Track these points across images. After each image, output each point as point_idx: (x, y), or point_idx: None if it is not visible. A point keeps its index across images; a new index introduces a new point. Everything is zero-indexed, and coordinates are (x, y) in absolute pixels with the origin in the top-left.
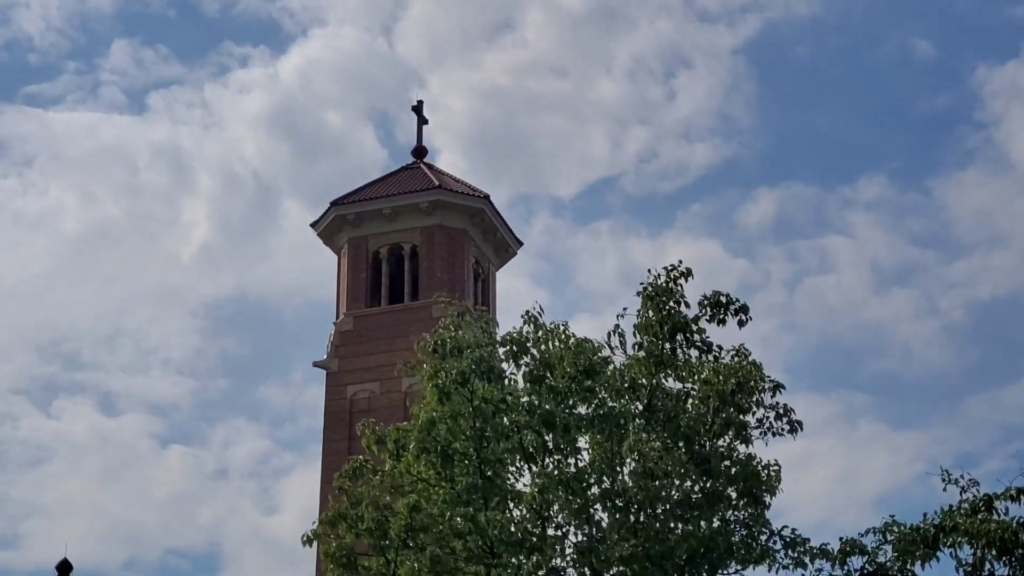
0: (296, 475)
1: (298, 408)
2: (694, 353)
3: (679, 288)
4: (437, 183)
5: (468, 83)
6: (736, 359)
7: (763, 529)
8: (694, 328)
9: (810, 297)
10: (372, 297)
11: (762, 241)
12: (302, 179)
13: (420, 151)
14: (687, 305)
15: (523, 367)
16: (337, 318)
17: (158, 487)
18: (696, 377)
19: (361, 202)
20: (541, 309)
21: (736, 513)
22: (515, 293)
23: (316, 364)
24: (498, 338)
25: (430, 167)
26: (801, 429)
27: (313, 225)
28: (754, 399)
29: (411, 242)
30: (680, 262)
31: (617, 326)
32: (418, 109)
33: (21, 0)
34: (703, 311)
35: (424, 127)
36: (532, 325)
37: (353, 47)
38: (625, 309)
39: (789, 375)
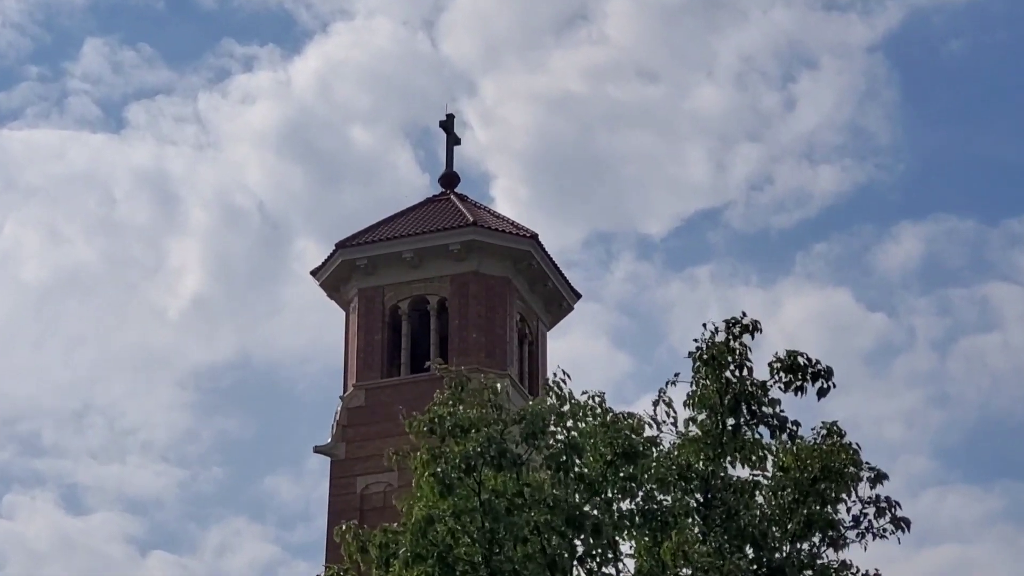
0: None
1: (313, 505)
2: (764, 432)
3: (743, 347)
4: (471, 219)
5: (531, 90)
6: (822, 440)
7: None
8: (764, 399)
9: (967, 361)
10: (389, 364)
11: (905, 290)
12: (321, 213)
13: (450, 179)
14: (750, 370)
15: (544, 450)
16: (344, 391)
17: None
18: (767, 463)
19: (375, 243)
20: (566, 376)
21: None
22: (584, 358)
23: (318, 449)
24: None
25: (463, 199)
26: (907, 529)
27: (315, 273)
28: (844, 492)
29: (438, 294)
30: (744, 314)
31: (664, 395)
32: (447, 125)
33: None
34: (775, 377)
35: (456, 148)
36: (555, 397)
37: (387, 45)
38: (676, 375)
39: (939, 461)
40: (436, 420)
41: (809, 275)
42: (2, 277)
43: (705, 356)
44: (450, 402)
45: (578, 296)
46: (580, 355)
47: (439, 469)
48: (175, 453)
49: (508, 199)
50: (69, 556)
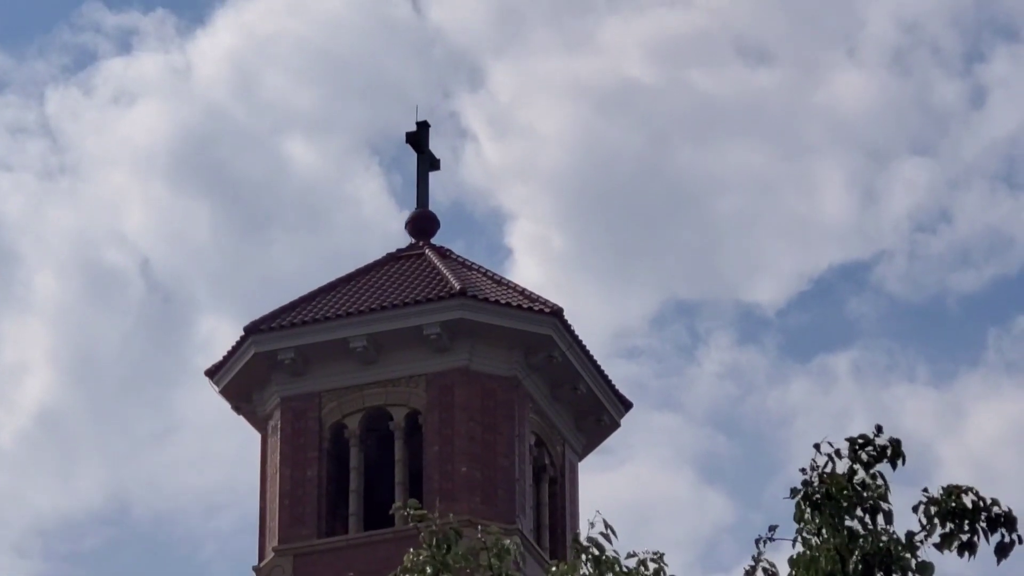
0: None
1: None
2: None
3: (877, 483)
4: (457, 285)
5: (568, 79)
6: None
7: None
8: (910, 561)
9: None
10: (330, 516)
11: None
12: (238, 276)
13: (423, 222)
14: (888, 517)
15: None
16: (260, 560)
17: None
18: None
19: (304, 326)
20: (609, 530)
21: None
22: (651, 501)
23: None
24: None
25: (444, 255)
26: None
27: (212, 373)
28: None
29: (408, 405)
30: (878, 430)
31: (761, 558)
32: (418, 138)
33: None
34: (927, 527)
35: (432, 174)
36: (592, 564)
37: (343, 12)
38: (773, 529)
39: None
40: None
41: (1008, 365)
42: None
43: (817, 496)
44: (428, 570)
45: (626, 406)
46: (642, 496)
47: None
48: None
49: (534, 252)
50: None
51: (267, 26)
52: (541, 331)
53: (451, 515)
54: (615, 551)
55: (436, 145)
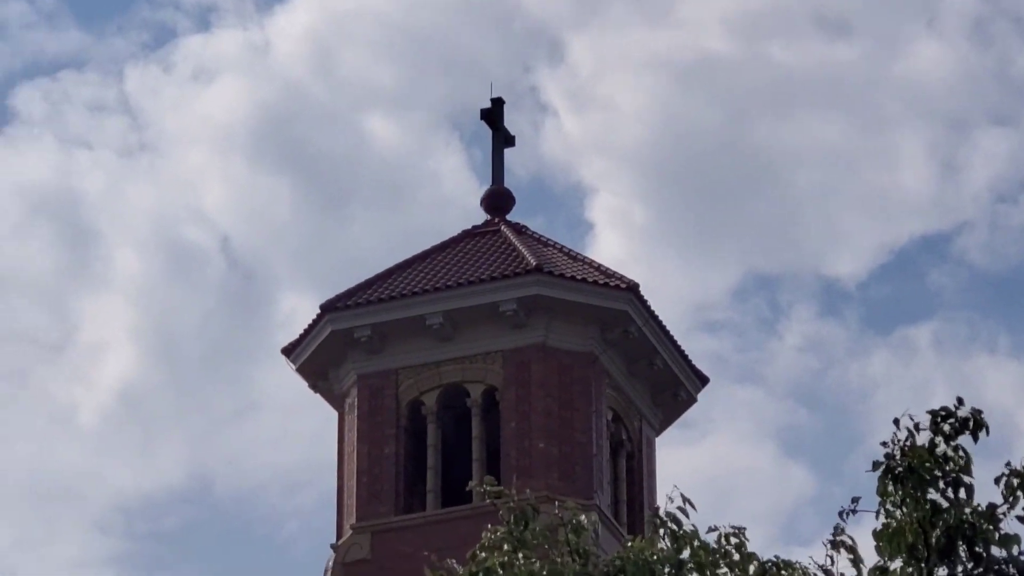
0: None
1: None
2: None
3: (959, 455)
4: (534, 262)
5: (649, 52)
6: None
7: None
8: (993, 535)
9: None
10: (407, 494)
11: None
12: (319, 253)
13: (498, 199)
14: (970, 490)
15: None
16: (338, 537)
17: None
18: None
19: (380, 304)
20: (688, 503)
21: None
22: (732, 475)
23: None
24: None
25: (519, 231)
26: None
27: (289, 351)
28: None
29: (484, 382)
30: (959, 402)
31: (841, 532)
32: (491, 115)
33: None
34: (1009, 500)
35: (512, 149)
36: (671, 538)
37: None
38: (855, 501)
39: None
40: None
41: None
42: None
43: (899, 469)
44: (506, 547)
45: (703, 381)
46: (724, 470)
47: None
48: None
49: (614, 226)
50: None
51: (345, 2)
52: (617, 306)
53: (528, 491)
54: (693, 525)
55: (516, 120)
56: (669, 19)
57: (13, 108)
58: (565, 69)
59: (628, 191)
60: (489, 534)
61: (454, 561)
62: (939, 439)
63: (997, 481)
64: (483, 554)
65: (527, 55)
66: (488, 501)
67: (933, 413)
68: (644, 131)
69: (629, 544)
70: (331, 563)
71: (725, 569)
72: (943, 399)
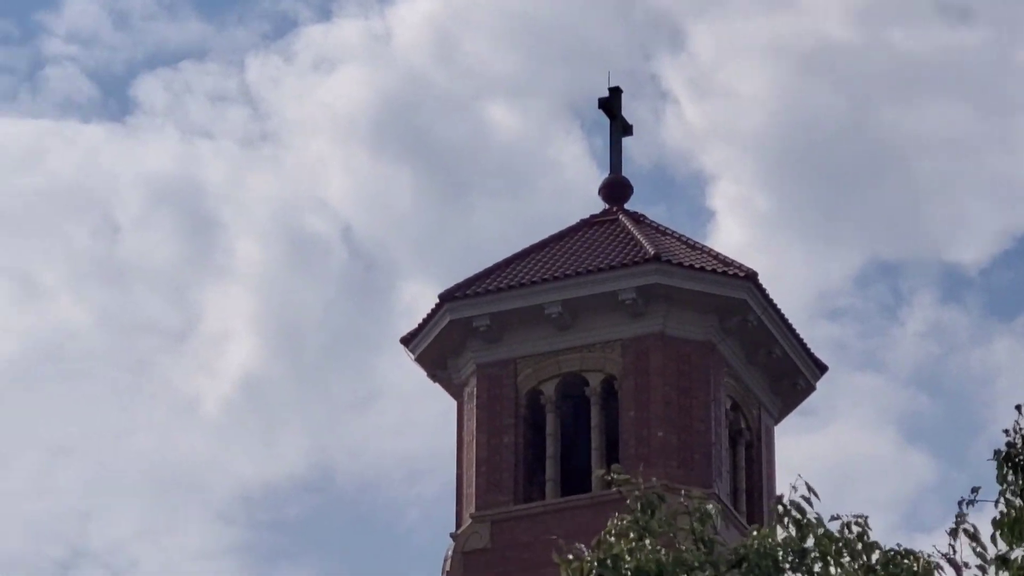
0: None
1: None
2: None
3: None
4: (652, 251)
5: (769, 39)
6: None
7: None
8: None
9: None
10: (527, 482)
11: None
12: (441, 242)
13: (616, 188)
14: None
15: None
16: (458, 526)
17: None
18: None
19: (499, 293)
20: (811, 492)
21: None
22: (853, 463)
23: None
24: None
25: (637, 220)
26: None
27: (408, 341)
28: None
29: (603, 371)
30: None
31: (963, 520)
32: (609, 104)
33: None
34: None
35: (625, 139)
36: (793, 526)
37: None
38: (976, 491)
39: None
40: (610, 563)
41: None
42: None
43: (1020, 457)
44: (632, 534)
45: (822, 370)
46: (845, 458)
47: None
48: None
49: (736, 213)
50: None
51: None
52: (736, 295)
53: (653, 479)
54: (817, 514)
55: (636, 108)
56: (790, 6)
57: (135, 99)
58: (686, 57)
59: (749, 179)
60: (616, 521)
61: (583, 546)
62: None
63: None
64: (612, 538)
65: (648, 43)
66: (614, 489)
67: None
68: (765, 118)
69: (753, 533)
70: (451, 552)
71: (848, 558)
72: None
